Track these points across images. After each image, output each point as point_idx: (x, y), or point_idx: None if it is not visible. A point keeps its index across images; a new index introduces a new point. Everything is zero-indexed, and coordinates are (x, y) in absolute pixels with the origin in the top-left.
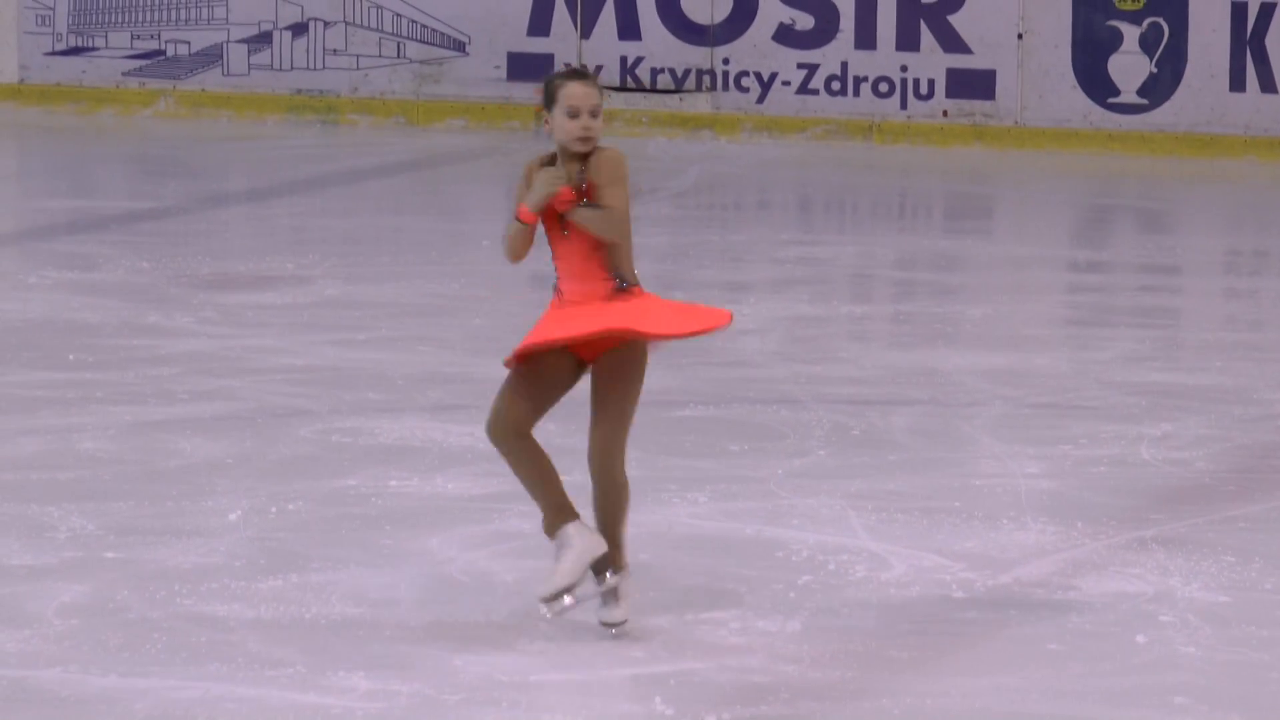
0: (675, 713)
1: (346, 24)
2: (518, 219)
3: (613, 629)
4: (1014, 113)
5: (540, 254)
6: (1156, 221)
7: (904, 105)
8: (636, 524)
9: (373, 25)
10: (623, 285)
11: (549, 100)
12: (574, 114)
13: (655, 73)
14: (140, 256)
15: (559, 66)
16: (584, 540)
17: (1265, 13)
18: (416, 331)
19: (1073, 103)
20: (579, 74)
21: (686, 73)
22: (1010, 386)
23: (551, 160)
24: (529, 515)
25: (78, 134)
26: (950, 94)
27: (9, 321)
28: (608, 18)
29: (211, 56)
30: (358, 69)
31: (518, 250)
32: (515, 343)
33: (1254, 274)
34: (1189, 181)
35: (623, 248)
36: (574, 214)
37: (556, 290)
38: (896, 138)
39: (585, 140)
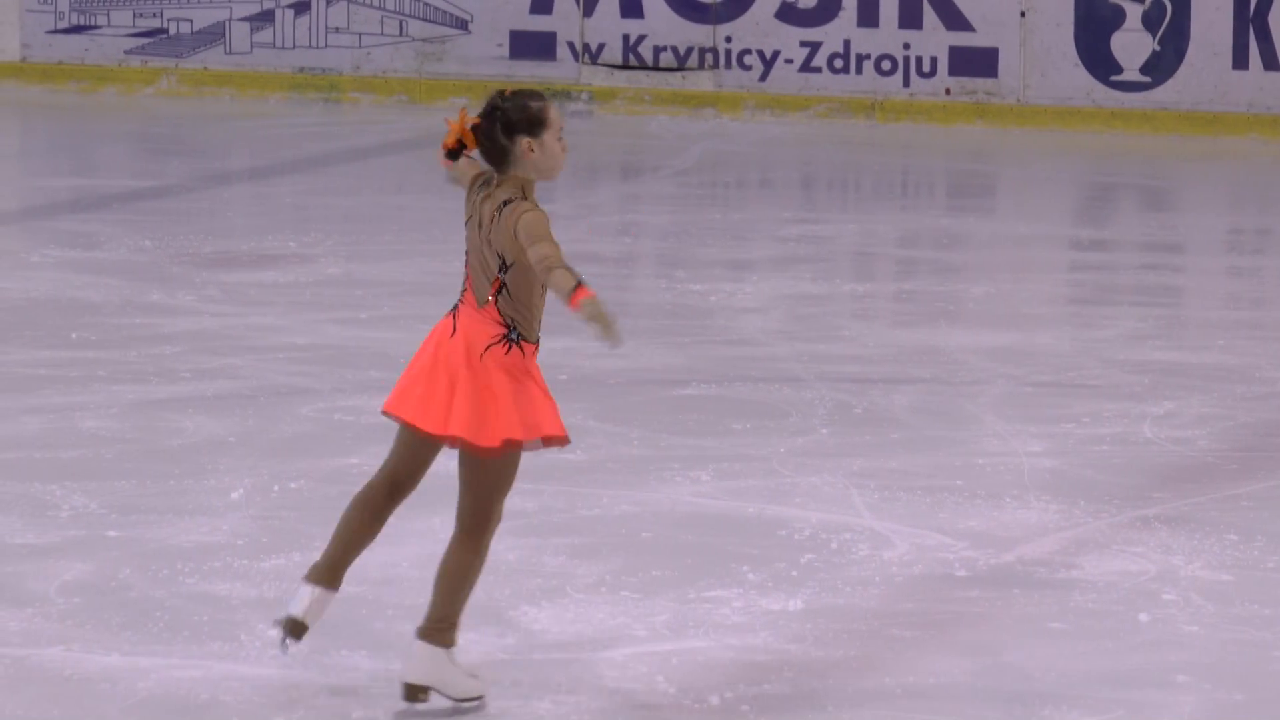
0: (677, 691)
1: (349, 2)
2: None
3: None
4: (1016, 91)
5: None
6: (1159, 200)
7: (906, 83)
8: (641, 502)
9: (375, 3)
10: (510, 336)
11: (537, 125)
12: (561, 137)
13: (658, 51)
14: (142, 235)
15: (560, 46)
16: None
17: None
18: (418, 310)
19: (1075, 81)
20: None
21: (689, 51)
22: (1013, 365)
23: (484, 174)
24: (530, 494)
25: (80, 112)
26: (953, 72)
27: (11, 300)
28: None
29: (214, 35)
30: (360, 47)
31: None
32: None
33: (1257, 252)
34: (1191, 160)
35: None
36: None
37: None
38: (899, 116)
39: None
